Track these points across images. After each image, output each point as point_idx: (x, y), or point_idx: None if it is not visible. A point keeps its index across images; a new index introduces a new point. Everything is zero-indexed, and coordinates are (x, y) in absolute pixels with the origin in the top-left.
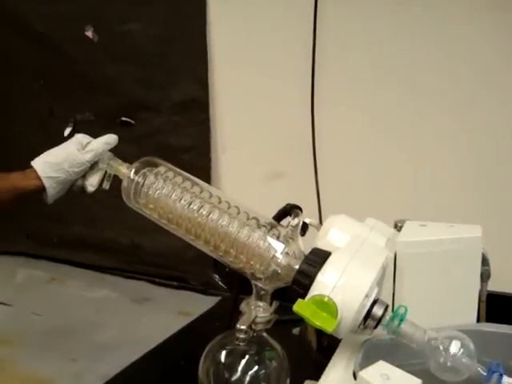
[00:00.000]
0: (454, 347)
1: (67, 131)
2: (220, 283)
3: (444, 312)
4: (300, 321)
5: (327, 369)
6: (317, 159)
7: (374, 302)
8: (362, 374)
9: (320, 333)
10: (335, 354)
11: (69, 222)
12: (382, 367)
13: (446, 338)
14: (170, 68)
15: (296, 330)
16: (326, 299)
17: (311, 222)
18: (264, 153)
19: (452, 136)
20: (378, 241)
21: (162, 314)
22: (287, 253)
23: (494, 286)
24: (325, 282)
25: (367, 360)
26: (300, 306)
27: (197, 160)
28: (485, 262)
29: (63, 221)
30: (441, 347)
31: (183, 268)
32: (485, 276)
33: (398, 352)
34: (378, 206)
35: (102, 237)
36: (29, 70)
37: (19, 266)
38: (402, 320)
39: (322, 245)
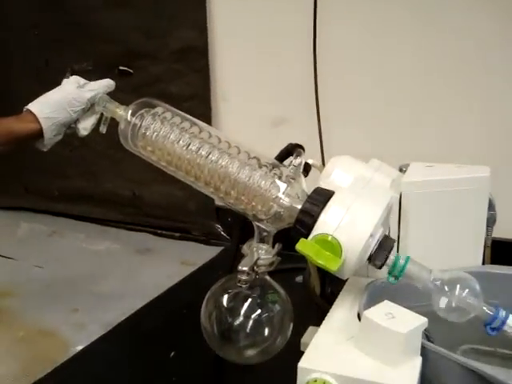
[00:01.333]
0: (460, 287)
1: (65, 82)
2: (222, 233)
3: (449, 254)
4: (303, 269)
5: (331, 311)
6: (319, 103)
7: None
8: (367, 313)
9: (324, 279)
10: (339, 296)
11: (69, 176)
12: (386, 307)
13: (452, 279)
14: (169, 14)
15: (299, 278)
16: (329, 238)
17: (314, 162)
18: (265, 99)
19: (459, 76)
20: (382, 181)
21: (165, 264)
22: (289, 193)
23: (499, 232)
24: (328, 221)
25: (372, 302)
26: (303, 246)
27: (197, 108)
28: (491, 206)
29: (63, 174)
30: (446, 288)
31: (185, 219)
32: (491, 221)
33: (402, 294)
34: (382, 151)
35: (103, 189)
36: (22, 21)
37: (20, 221)
38: (407, 260)
39: (325, 186)
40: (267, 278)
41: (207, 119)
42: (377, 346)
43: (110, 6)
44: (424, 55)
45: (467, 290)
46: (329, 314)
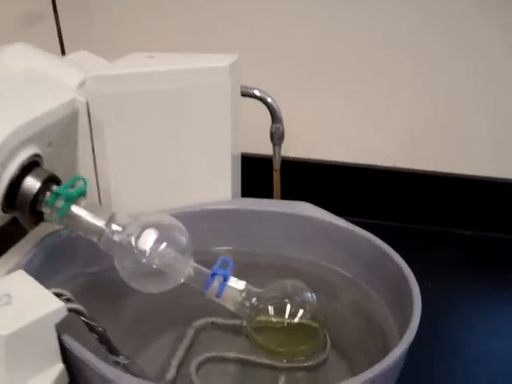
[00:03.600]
0: (153, 240)
1: None
2: None
3: (176, 186)
4: None
5: None
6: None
7: (27, 170)
8: None
9: None
10: (5, 254)
11: None
12: (12, 283)
13: (142, 227)
14: None
15: None
16: None
17: None
18: None
19: None
20: (66, 78)
21: None
22: None
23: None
24: None
25: (43, 266)
26: None
27: None
28: (276, 118)
29: None
30: (132, 241)
31: None
32: (276, 136)
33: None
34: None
35: None
36: None
37: None
38: (70, 198)
39: None
40: None
41: None
42: None
43: None
44: None
45: (165, 244)
46: None
